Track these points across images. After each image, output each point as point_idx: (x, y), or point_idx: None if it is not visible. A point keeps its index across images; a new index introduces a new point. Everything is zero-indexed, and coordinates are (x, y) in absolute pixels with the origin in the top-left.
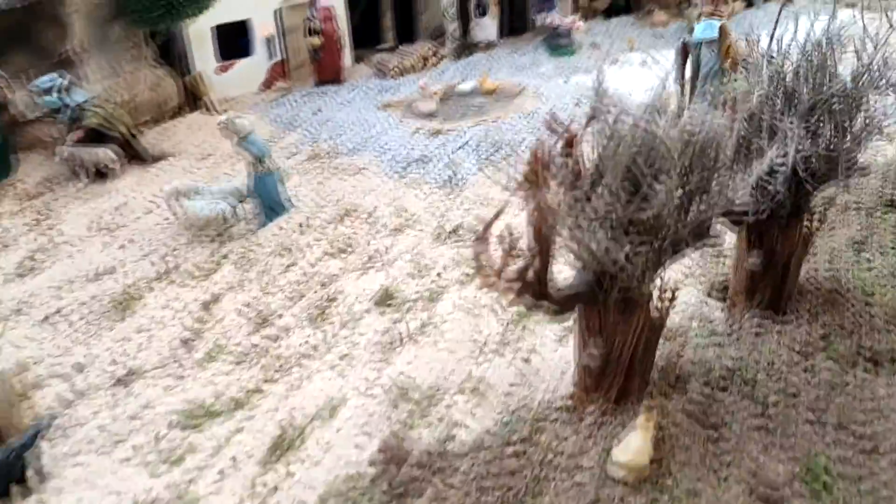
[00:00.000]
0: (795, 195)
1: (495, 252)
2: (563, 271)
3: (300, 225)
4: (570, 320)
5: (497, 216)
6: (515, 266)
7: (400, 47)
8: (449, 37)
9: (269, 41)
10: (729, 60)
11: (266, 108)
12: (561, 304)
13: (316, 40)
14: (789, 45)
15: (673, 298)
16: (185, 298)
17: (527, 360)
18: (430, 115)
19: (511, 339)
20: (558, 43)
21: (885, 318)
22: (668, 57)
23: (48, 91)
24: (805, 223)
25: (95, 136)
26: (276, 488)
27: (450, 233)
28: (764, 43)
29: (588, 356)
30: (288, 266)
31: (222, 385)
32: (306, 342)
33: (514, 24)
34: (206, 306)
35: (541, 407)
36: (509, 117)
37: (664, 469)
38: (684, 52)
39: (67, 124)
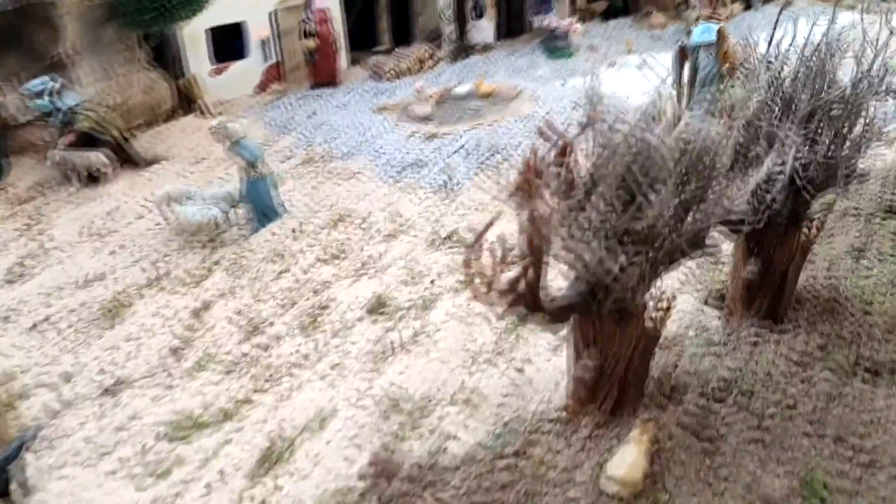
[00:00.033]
0: (793, 203)
1: (487, 262)
2: (557, 278)
3: (293, 230)
4: (564, 330)
5: (488, 227)
6: (507, 277)
7: (396, 49)
8: (446, 39)
9: (263, 43)
10: (727, 65)
11: (261, 111)
12: (554, 315)
13: (311, 43)
14: (788, 50)
15: (668, 309)
16: (176, 306)
17: (520, 370)
18: (426, 119)
19: (505, 348)
20: (556, 45)
21: (884, 327)
22: (666, 60)
23: (39, 94)
24: (803, 231)
25: (87, 140)
26: (263, 502)
27: (444, 239)
28: (762, 47)
29: (582, 367)
30: (280, 272)
31: (211, 395)
32: (297, 351)
33: (512, 26)
34: (196, 314)
35: (534, 419)
36: (505, 121)
37: (659, 484)
38: (681, 55)
39: (59, 128)
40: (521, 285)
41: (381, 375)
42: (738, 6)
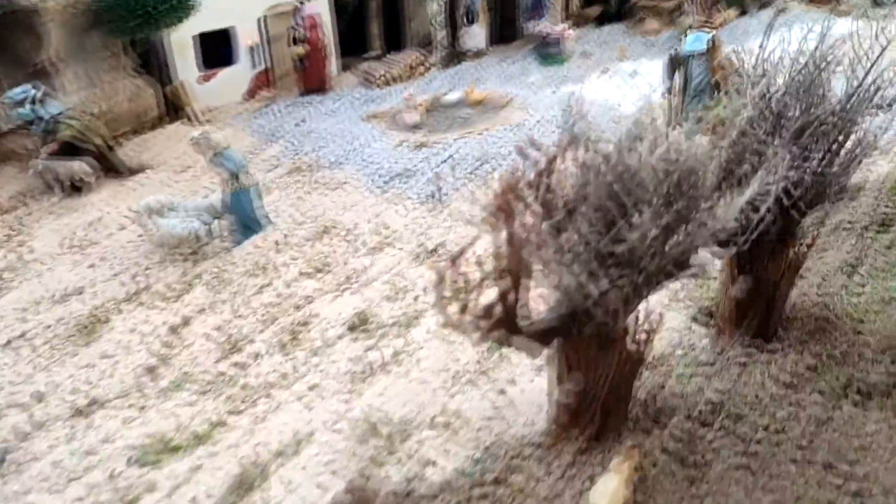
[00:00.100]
0: (784, 220)
1: (461, 285)
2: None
3: (276, 243)
4: (544, 354)
5: (461, 253)
6: (483, 302)
7: (387, 56)
8: (437, 45)
9: (252, 50)
10: (718, 74)
11: (249, 119)
12: (534, 339)
13: (300, 49)
14: (777, 63)
15: (652, 332)
16: (154, 321)
17: (503, 392)
18: (416, 127)
19: (488, 367)
20: (548, 52)
21: (875, 347)
22: (658, 68)
23: (21, 103)
24: (794, 248)
25: (71, 149)
26: None
27: (430, 252)
28: (754, 56)
29: (565, 392)
30: (262, 287)
31: (185, 417)
32: (275, 370)
33: (504, 32)
34: (174, 330)
35: (515, 443)
36: (495, 129)
37: None
38: (672, 64)
39: (42, 136)
40: (498, 310)
41: (360, 397)
42: (732, 12)
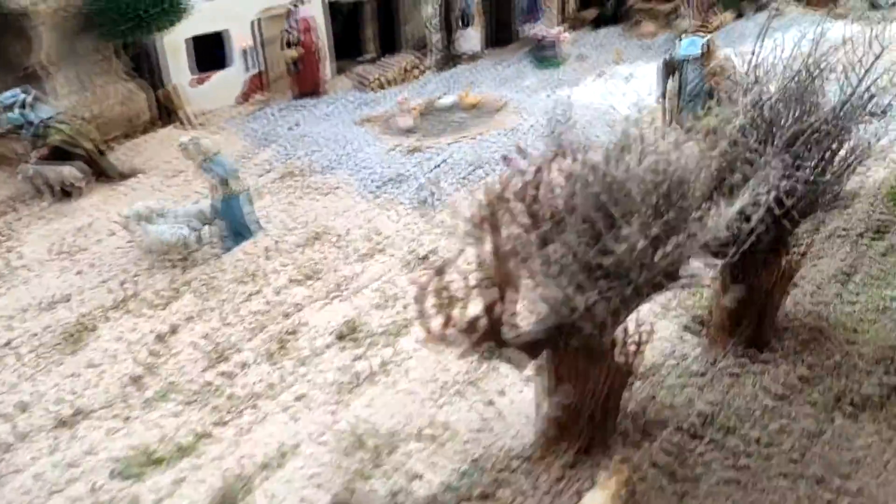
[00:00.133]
0: (777, 228)
1: (443, 301)
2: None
3: (267, 249)
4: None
5: (443, 268)
6: (468, 315)
7: (382, 59)
8: (432, 48)
9: (246, 52)
10: (713, 80)
11: (242, 122)
12: (521, 351)
13: (293, 52)
14: (770, 70)
15: (642, 344)
16: (142, 329)
17: (492, 403)
18: (409, 131)
19: (477, 377)
20: (544, 55)
21: (869, 357)
22: (654, 71)
23: (10, 107)
24: (787, 257)
25: (61, 153)
26: None
27: (422, 259)
28: (749, 60)
29: (554, 406)
30: (251, 294)
31: (170, 428)
32: (262, 380)
33: (500, 35)
34: (161, 338)
35: (503, 455)
36: (489, 134)
37: None
38: (667, 69)
39: (31, 141)
40: (483, 323)
41: (347, 408)
42: (729, 15)
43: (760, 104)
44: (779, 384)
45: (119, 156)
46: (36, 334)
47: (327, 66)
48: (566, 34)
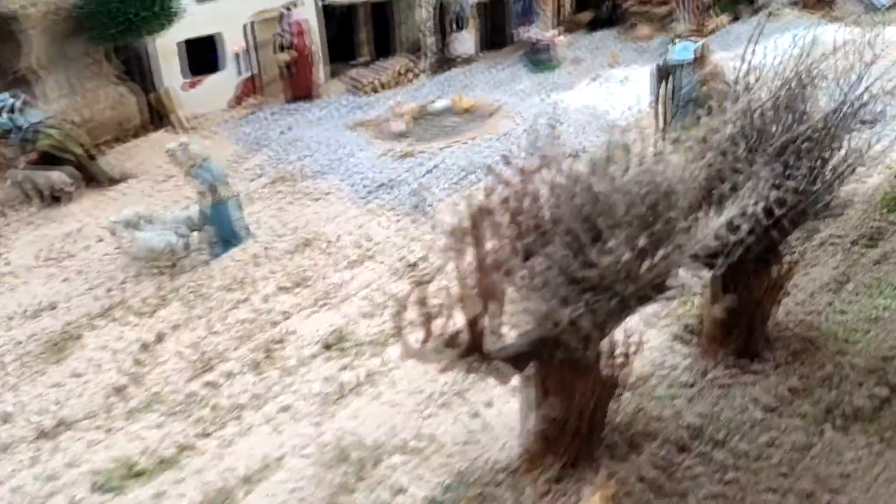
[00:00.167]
0: (767, 238)
1: (424, 315)
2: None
3: (255, 256)
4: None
5: (421, 283)
6: (450, 330)
7: (376, 62)
8: (426, 51)
9: (238, 56)
10: (706, 86)
11: (234, 126)
12: (509, 364)
13: (285, 56)
14: (760, 76)
15: (629, 357)
16: (127, 338)
17: (478, 415)
18: (402, 136)
19: (464, 388)
20: (538, 58)
21: (861, 368)
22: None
23: None
24: (778, 266)
25: (51, 158)
26: None
27: (411, 266)
28: (738, 69)
29: (541, 418)
30: (238, 302)
31: (152, 440)
32: (247, 391)
33: (495, 38)
34: (146, 347)
35: (489, 469)
36: (482, 138)
37: None
38: (660, 74)
39: (20, 146)
40: (465, 336)
41: (332, 419)
42: (725, 18)
43: (750, 112)
44: (769, 395)
45: (110, 160)
46: (21, 342)
47: (321, 70)
48: (561, 37)
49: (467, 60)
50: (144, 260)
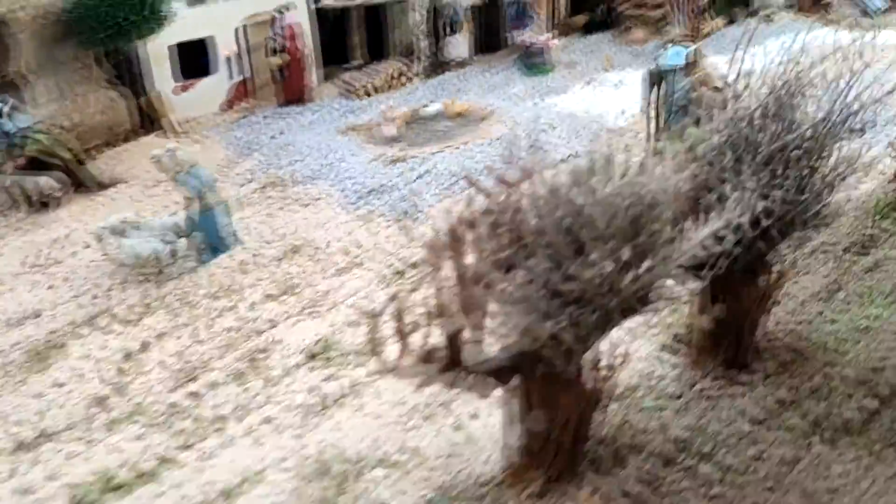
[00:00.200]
0: (756, 248)
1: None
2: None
3: (243, 263)
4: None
5: (396, 297)
6: (427, 345)
7: (369, 65)
8: (420, 55)
9: (230, 60)
10: (698, 91)
11: (226, 130)
12: (491, 378)
13: (277, 60)
14: (748, 85)
15: (614, 369)
16: (111, 346)
17: (462, 428)
18: (393, 140)
19: (449, 399)
20: (533, 61)
21: (851, 379)
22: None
23: None
24: (767, 276)
25: (40, 163)
26: None
27: (398, 273)
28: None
29: (525, 432)
30: (224, 310)
31: (132, 452)
32: (229, 402)
33: (489, 41)
34: (130, 356)
35: (472, 482)
36: (474, 143)
37: None
38: (652, 79)
39: (7, 151)
40: (442, 352)
41: (315, 430)
42: (720, 21)
43: (738, 121)
44: (757, 408)
45: (100, 165)
46: (3, 351)
47: (313, 74)
48: (555, 41)
49: (461, 64)
50: (131, 267)
